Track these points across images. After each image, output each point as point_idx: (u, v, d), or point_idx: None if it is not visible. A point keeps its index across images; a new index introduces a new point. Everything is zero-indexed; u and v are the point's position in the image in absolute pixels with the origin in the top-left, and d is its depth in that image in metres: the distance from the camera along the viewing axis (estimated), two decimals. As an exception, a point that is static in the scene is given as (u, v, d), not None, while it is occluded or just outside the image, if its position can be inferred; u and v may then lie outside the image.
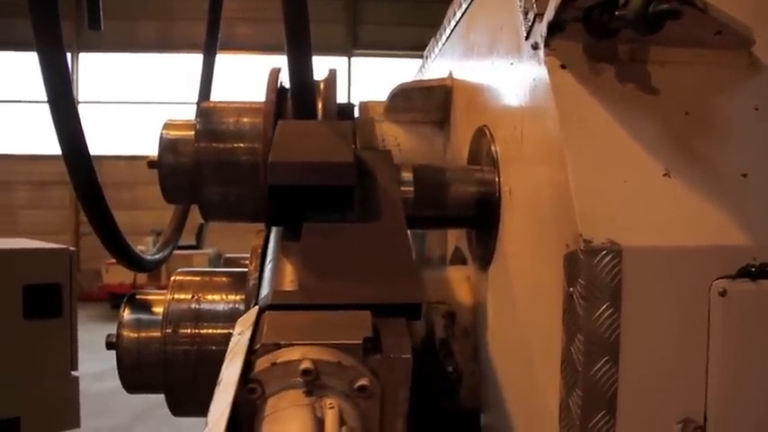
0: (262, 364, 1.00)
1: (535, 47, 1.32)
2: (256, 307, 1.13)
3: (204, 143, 2.08)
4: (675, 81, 1.29)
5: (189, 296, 1.97)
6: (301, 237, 1.31)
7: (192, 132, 2.10)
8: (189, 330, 1.90)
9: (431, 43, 2.84)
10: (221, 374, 0.99)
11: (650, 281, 1.12)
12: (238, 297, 1.95)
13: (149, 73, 20.53)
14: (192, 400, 1.93)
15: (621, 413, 1.11)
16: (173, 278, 2.04)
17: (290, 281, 1.22)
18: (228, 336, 1.89)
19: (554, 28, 1.25)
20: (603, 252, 1.10)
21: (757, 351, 1.15)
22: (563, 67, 1.27)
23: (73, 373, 3.98)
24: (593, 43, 1.27)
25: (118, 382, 1.94)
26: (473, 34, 1.98)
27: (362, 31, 20.81)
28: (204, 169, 2.06)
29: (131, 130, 18.81)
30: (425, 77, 2.90)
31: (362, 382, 0.99)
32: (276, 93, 2.20)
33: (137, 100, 20.01)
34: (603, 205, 1.15)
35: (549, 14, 1.23)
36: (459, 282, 1.94)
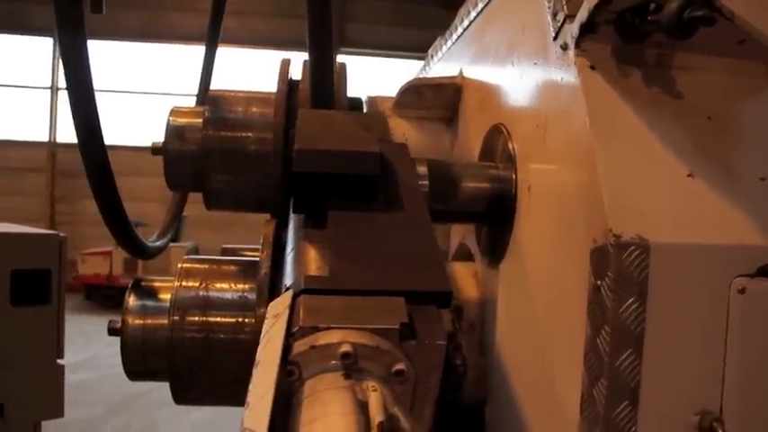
0: (300, 347, 1.00)
1: (564, 47, 1.36)
2: (290, 291, 1.13)
3: (212, 131, 2.08)
4: (699, 86, 1.33)
5: (197, 284, 1.97)
6: (327, 224, 1.32)
7: (200, 120, 2.11)
8: (197, 318, 1.90)
9: (436, 42, 2.88)
10: (257, 356, 1.00)
11: (674, 276, 1.16)
12: (247, 286, 1.96)
13: (133, 62, 20.33)
14: (196, 388, 1.93)
15: (643, 404, 1.15)
16: (180, 265, 2.05)
17: (316, 267, 1.23)
18: (237, 324, 1.91)
19: (586, 29, 1.28)
20: (632, 247, 1.13)
21: (772, 348, 1.20)
22: (592, 68, 1.30)
23: (59, 361, 3.93)
24: (622, 46, 1.31)
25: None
26: (489, 34, 2.01)
27: (350, 30, 20.81)
28: (211, 157, 2.07)
29: (112, 119, 18.64)
30: (429, 75, 2.93)
31: (400, 366, 1.01)
32: (287, 84, 2.22)
33: (119, 89, 19.80)
34: (631, 202, 1.19)
35: (583, 16, 1.27)
36: (466, 277, 1.97)
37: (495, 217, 1.74)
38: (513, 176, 1.66)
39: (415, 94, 2.36)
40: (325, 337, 1.02)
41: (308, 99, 2.12)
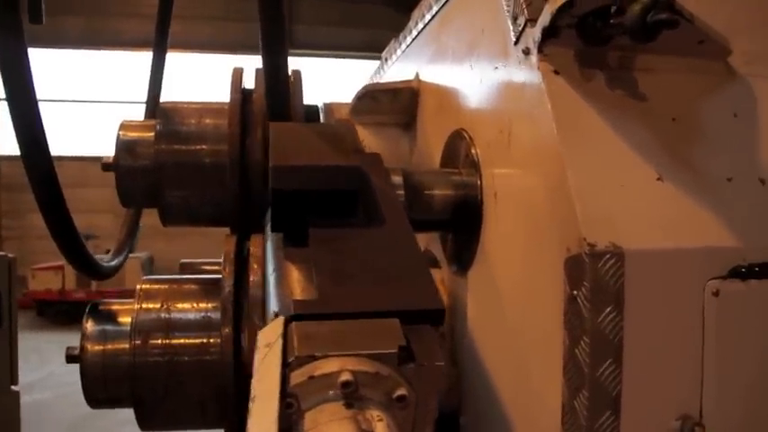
0: (297, 377, 0.96)
1: (526, 52, 1.34)
2: (280, 318, 1.08)
3: (165, 145, 2.02)
4: (662, 88, 1.33)
5: (158, 305, 1.90)
6: (309, 243, 1.27)
7: (151, 134, 2.04)
8: (160, 341, 1.83)
9: (390, 44, 2.84)
10: (253, 390, 0.95)
11: (650, 282, 1.15)
12: (210, 305, 1.90)
13: (74, 70, 19.77)
14: (162, 414, 1.86)
15: (625, 413, 1.14)
16: (139, 286, 1.97)
17: (302, 289, 1.17)
18: (202, 345, 1.85)
19: (548, 34, 1.26)
20: (607, 255, 1.12)
21: (747, 348, 1.20)
22: (556, 72, 1.29)
23: (13, 387, 3.78)
24: (585, 50, 1.30)
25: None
26: (446, 37, 1.99)
27: (298, 32, 20.60)
28: (165, 172, 2.00)
29: (56, 130, 18.08)
30: (384, 79, 2.89)
31: (401, 392, 0.98)
32: (241, 93, 2.16)
33: (63, 98, 19.24)
34: (603, 209, 1.18)
35: (545, 20, 1.25)
36: (434, 284, 1.94)
37: (461, 224, 1.72)
38: (478, 183, 1.63)
39: (371, 99, 2.33)
40: (324, 367, 0.97)
41: (262, 108, 2.07)
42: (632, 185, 1.22)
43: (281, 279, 1.22)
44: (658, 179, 1.23)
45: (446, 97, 1.96)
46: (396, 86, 2.34)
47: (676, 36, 1.23)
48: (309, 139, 1.52)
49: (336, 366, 0.95)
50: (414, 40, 2.39)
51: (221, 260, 1.94)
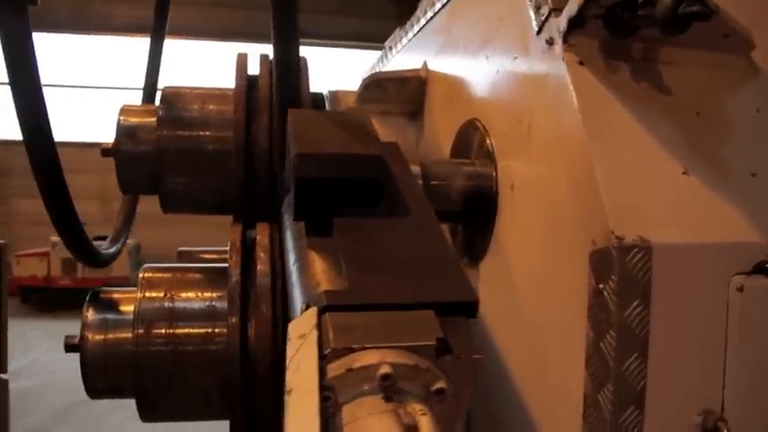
0: (335, 370, 0.94)
1: (550, 42, 1.32)
2: (312, 309, 1.05)
3: (168, 130, 1.99)
4: (686, 81, 1.32)
5: (161, 294, 1.87)
6: (333, 233, 1.24)
7: (153, 119, 2.01)
8: (163, 330, 1.81)
9: (395, 33, 2.82)
10: (288, 383, 0.92)
11: (676, 277, 1.14)
12: (215, 294, 1.87)
13: (61, 55, 19.52)
14: (165, 404, 1.84)
15: (649, 407, 1.13)
16: (141, 275, 1.94)
17: (330, 280, 1.14)
18: (207, 335, 1.82)
19: (574, 24, 1.24)
20: (635, 249, 1.11)
21: (770, 344, 1.20)
22: (581, 63, 1.27)
23: (2, 375, 3.73)
24: (609, 41, 1.28)
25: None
26: (457, 26, 1.96)
27: (299, 21, 20.38)
28: (167, 158, 1.98)
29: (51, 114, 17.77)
30: (387, 68, 2.87)
31: (439, 384, 0.96)
32: (246, 79, 2.13)
33: (52, 83, 19.00)
34: (630, 202, 1.16)
35: (572, 10, 1.23)
36: (442, 276, 1.92)
37: (474, 215, 1.70)
38: (493, 173, 1.62)
39: (378, 88, 2.30)
40: (362, 359, 0.95)
41: (267, 95, 2.04)
42: (658, 179, 1.21)
43: (305, 269, 1.19)
44: (684, 173, 1.22)
45: (457, 87, 1.94)
46: (403, 75, 2.32)
47: (702, 29, 1.22)
48: (329, 128, 1.49)
49: (375, 359, 0.93)
50: (421, 29, 2.36)
51: (220, 248, 1.91)
